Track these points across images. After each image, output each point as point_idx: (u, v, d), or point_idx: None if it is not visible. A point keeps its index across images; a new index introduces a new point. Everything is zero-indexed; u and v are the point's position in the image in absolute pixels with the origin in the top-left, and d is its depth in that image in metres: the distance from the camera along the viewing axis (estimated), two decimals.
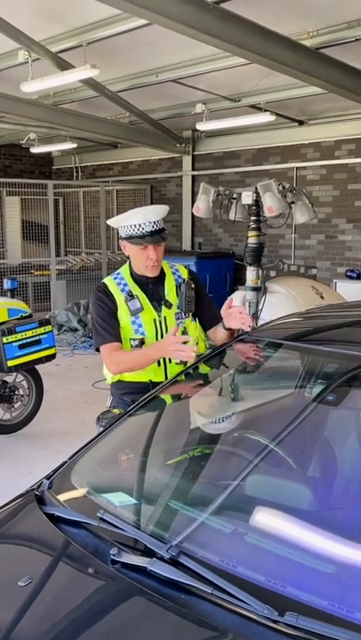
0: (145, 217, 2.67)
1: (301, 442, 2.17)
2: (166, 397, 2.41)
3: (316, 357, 2.37)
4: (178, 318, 2.76)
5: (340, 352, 2.19)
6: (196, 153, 11.22)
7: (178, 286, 2.80)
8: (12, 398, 5.23)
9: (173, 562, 1.48)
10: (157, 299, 2.77)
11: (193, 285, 2.81)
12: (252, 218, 5.29)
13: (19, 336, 4.79)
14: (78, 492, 1.90)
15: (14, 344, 4.76)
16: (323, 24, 5.77)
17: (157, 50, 6.65)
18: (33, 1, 5.56)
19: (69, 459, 2.07)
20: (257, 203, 5.22)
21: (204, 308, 2.87)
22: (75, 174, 13.35)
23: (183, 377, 2.46)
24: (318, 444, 2.20)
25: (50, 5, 5.62)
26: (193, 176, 11.24)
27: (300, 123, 9.64)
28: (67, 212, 13.48)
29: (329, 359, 2.30)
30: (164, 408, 2.43)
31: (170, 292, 2.79)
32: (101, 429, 2.28)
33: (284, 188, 5.27)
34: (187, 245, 11.43)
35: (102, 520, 1.66)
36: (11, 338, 4.74)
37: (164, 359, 2.71)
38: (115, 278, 2.83)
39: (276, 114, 8.67)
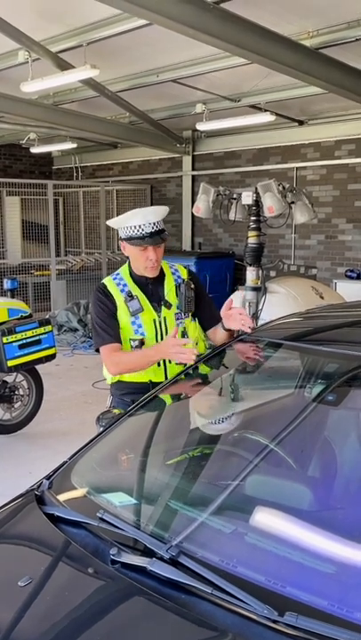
0: (145, 218, 2.67)
1: (301, 442, 2.17)
2: (166, 397, 2.41)
3: (316, 357, 2.37)
4: (177, 318, 2.76)
5: (340, 352, 2.19)
6: (196, 153, 11.22)
7: (177, 286, 2.80)
8: (12, 398, 5.23)
9: (173, 562, 1.48)
10: (157, 299, 2.77)
11: (192, 285, 2.81)
12: (252, 218, 5.30)
13: (19, 336, 4.79)
14: (78, 492, 1.90)
15: (14, 344, 4.76)
16: (323, 24, 5.77)
17: (157, 50, 6.65)
18: (33, 1, 5.56)
19: (69, 459, 2.07)
20: (257, 203, 5.22)
21: (204, 308, 2.86)
22: (75, 174, 13.35)
23: (183, 377, 2.46)
24: (318, 444, 2.21)
25: (50, 5, 5.62)
26: (193, 176, 11.24)
27: (301, 123, 9.64)
28: (67, 212, 13.48)
29: (329, 359, 2.30)
30: (163, 408, 2.43)
31: (169, 292, 2.79)
32: (101, 429, 2.28)
33: (284, 188, 5.27)
34: (187, 245, 11.43)
35: (102, 520, 1.66)
36: (11, 338, 4.74)
37: (164, 359, 2.71)
38: (114, 279, 2.83)
39: (277, 114, 8.67)
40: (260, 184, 5.21)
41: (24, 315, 5.26)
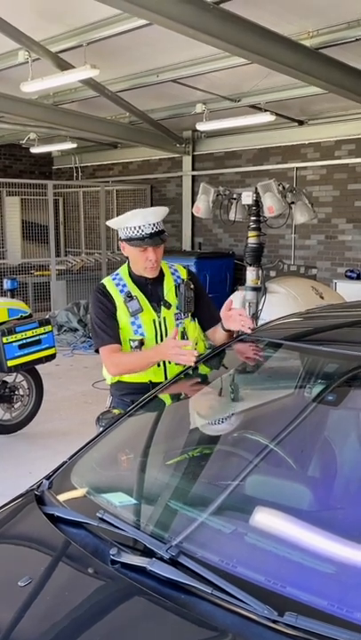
0: (145, 219, 2.66)
1: (301, 442, 2.17)
2: (166, 398, 2.41)
3: (316, 357, 2.37)
4: (177, 319, 2.76)
5: (340, 352, 2.19)
6: (196, 153, 11.22)
7: (177, 287, 2.79)
8: (12, 398, 5.23)
9: (173, 562, 1.48)
10: (156, 299, 2.77)
11: (192, 286, 2.81)
12: (252, 218, 5.30)
13: (19, 336, 4.79)
14: (78, 492, 1.90)
15: (14, 344, 4.76)
16: (323, 24, 5.77)
17: (157, 50, 6.65)
18: (33, 1, 5.57)
19: (69, 459, 2.07)
20: (257, 203, 5.22)
21: (204, 308, 2.86)
22: (75, 174, 13.34)
23: (183, 377, 2.46)
24: (318, 444, 2.20)
25: (50, 5, 5.63)
26: (193, 176, 11.24)
27: (301, 123, 9.64)
28: (67, 212, 13.48)
29: (329, 359, 2.30)
30: (163, 408, 2.43)
31: (169, 292, 2.79)
32: (101, 429, 2.28)
33: (284, 188, 5.28)
34: (187, 245, 11.43)
35: (102, 520, 1.66)
36: (11, 338, 4.74)
37: (164, 360, 2.71)
38: (113, 279, 2.82)
39: (277, 114, 8.67)
40: (260, 184, 5.21)
41: (24, 315, 5.26)
